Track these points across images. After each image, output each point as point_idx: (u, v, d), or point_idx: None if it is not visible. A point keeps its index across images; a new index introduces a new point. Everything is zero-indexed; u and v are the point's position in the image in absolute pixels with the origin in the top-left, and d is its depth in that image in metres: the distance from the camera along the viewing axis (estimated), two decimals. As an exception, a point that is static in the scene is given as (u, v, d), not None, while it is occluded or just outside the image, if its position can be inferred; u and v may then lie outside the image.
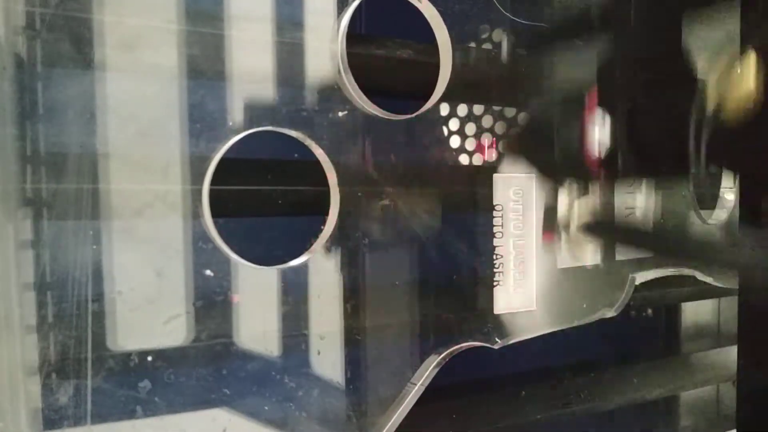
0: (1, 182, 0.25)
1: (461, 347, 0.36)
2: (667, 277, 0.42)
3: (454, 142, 0.43)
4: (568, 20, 0.32)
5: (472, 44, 0.37)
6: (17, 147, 0.25)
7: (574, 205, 0.34)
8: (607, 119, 0.29)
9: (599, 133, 0.32)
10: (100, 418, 0.27)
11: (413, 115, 0.35)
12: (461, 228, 0.37)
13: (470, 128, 0.43)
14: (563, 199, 0.37)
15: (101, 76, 0.27)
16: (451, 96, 0.36)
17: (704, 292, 0.49)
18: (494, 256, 0.37)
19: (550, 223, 0.33)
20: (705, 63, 0.32)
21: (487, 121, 0.42)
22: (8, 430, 0.25)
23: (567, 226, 0.36)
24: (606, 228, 0.32)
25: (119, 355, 0.27)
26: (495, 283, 0.37)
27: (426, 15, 0.35)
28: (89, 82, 0.27)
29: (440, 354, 0.36)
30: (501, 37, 0.39)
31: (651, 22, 0.27)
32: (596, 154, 0.35)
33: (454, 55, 0.35)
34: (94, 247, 0.27)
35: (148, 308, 0.28)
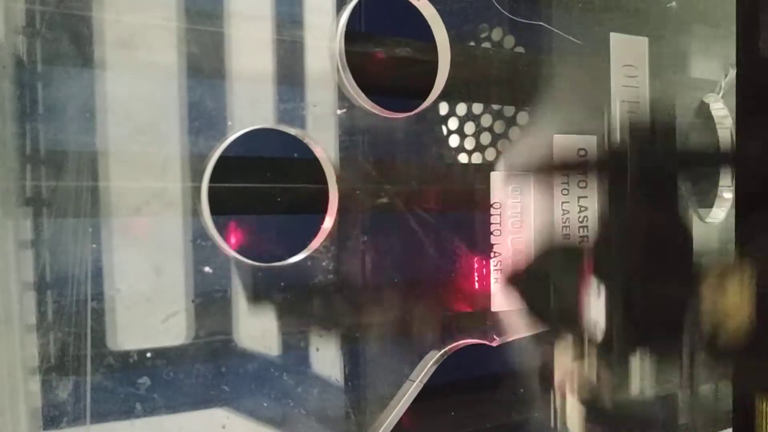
0: (1, 180, 0.25)
1: (459, 344, 0.36)
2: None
3: (453, 141, 0.43)
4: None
5: (471, 43, 0.37)
6: (17, 145, 0.25)
7: (571, 368, 0.35)
8: (604, 286, 0.29)
9: (596, 299, 0.32)
10: (99, 415, 0.27)
11: (412, 113, 0.35)
12: (459, 225, 0.37)
13: (469, 127, 0.43)
14: (560, 357, 0.37)
15: (100, 75, 0.27)
16: (450, 95, 0.36)
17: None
18: (492, 254, 0.37)
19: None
20: (701, 272, 0.32)
21: (486, 120, 0.42)
22: (7, 426, 0.26)
23: (562, 387, 0.36)
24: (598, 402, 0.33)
25: (118, 352, 0.28)
26: (494, 281, 0.38)
27: (425, 14, 0.36)
28: (88, 80, 0.27)
29: (439, 351, 0.36)
30: (500, 35, 0.39)
31: (648, 187, 0.27)
32: (593, 320, 0.35)
33: (452, 54, 0.36)
34: (93, 245, 0.27)
35: (146, 306, 0.28)
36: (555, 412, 0.35)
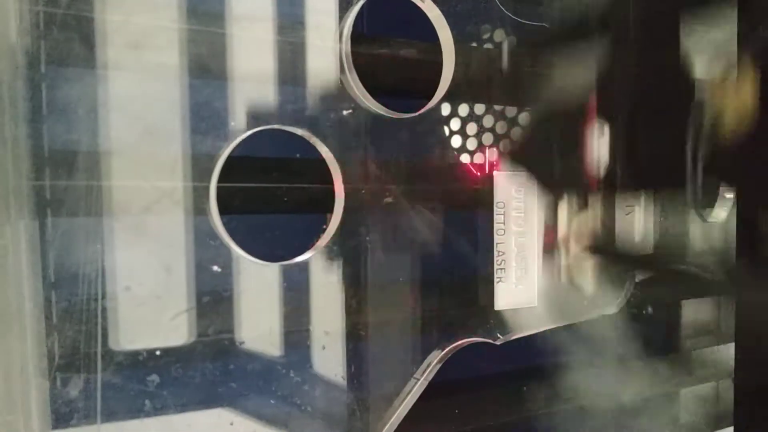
0: (13, 179, 0.25)
1: (463, 343, 0.37)
2: (668, 275, 0.43)
3: (456, 141, 0.43)
4: (566, 27, 0.32)
5: (474, 44, 0.37)
6: (29, 145, 0.26)
7: (574, 220, 0.34)
8: (606, 131, 0.29)
9: (598, 145, 0.32)
10: (109, 412, 0.27)
11: (416, 113, 0.35)
12: (463, 225, 0.37)
13: (471, 128, 0.43)
14: (563, 213, 0.37)
15: (111, 75, 0.27)
16: (453, 96, 0.36)
17: (704, 289, 0.49)
18: (496, 253, 0.38)
19: (551, 236, 0.33)
20: (702, 71, 0.32)
21: (488, 121, 0.42)
22: (19, 423, 0.26)
23: (567, 242, 0.36)
24: (606, 248, 0.32)
25: (128, 350, 0.28)
26: (497, 280, 0.38)
27: (429, 15, 0.36)
28: (99, 81, 0.27)
29: (443, 349, 0.36)
30: (502, 37, 0.39)
31: (649, 29, 0.27)
32: (595, 166, 0.35)
33: (456, 55, 0.36)
34: (104, 244, 0.27)
35: (155, 304, 0.28)
36: (560, 267, 0.34)
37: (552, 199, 0.35)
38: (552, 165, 0.32)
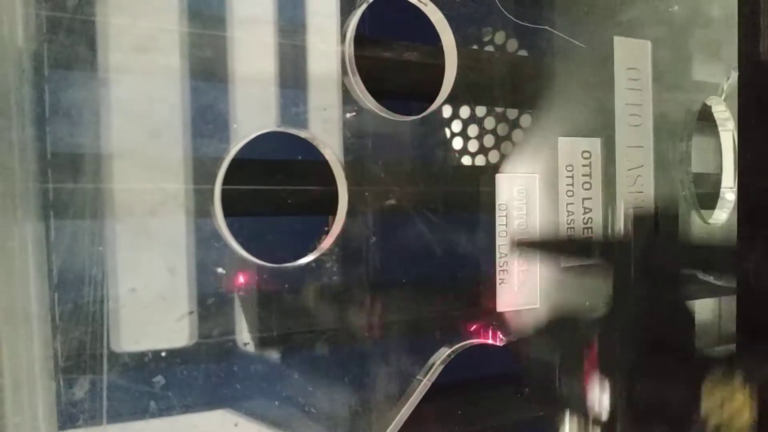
0: (20, 182, 0.26)
1: (466, 344, 0.37)
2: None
3: (457, 143, 0.44)
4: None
5: (475, 47, 0.38)
6: (35, 148, 0.26)
7: None
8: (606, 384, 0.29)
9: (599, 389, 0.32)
10: (114, 413, 0.28)
11: (420, 116, 0.35)
12: (466, 227, 0.37)
13: (473, 130, 0.43)
14: None
15: (116, 79, 0.27)
16: (455, 98, 0.37)
17: (705, 291, 0.49)
18: (498, 255, 0.38)
19: None
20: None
21: (489, 123, 0.42)
22: (26, 424, 0.26)
23: None
24: None
25: (133, 351, 0.28)
26: (499, 282, 0.38)
27: (431, 18, 0.36)
28: (104, 84, 0.27)
29: (446, 351, 0.36)
30: (503, 39, 0.40)
31: (650, 277, 0.28)
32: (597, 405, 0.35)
33: (459, 58, 0.36)
34: (109, 245, 0.27)
35: (160, 306, 0.29)
36: None
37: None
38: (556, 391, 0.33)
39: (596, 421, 0.31)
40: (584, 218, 0.41)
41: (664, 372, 0.26)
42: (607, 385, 0.26)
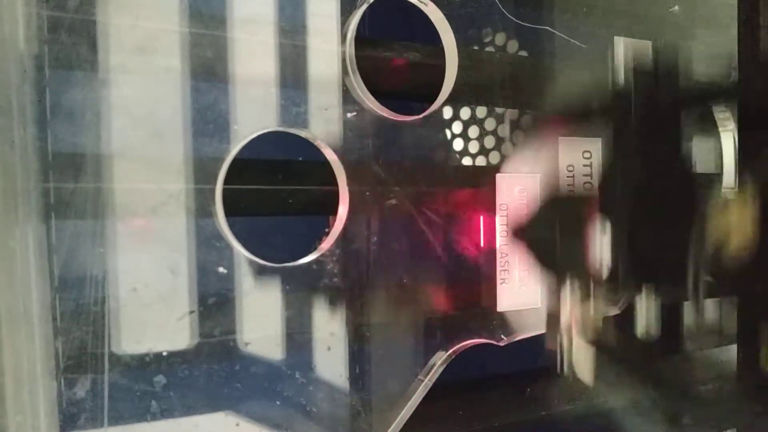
0: (21, 182, 0.26)
1: (467, 344, 0.37)
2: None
3: (458, 144, 0.44)
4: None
5: (476, 47, 0.38)
6: (37, 148, 0.26)
7: (575, 311, 0.34)
8: (608, 226, 0.29)
9: (600, 238, 0.32)
10: (115, 412, 0.28)
11: (421, 115, 0.35)
12: (466, 227, 0.37)
13: (473, 131, 0.43)
14: (566, 302, 0.38)
15: (117, 79, 0.27)
16: (456, 98, 0.37)
17: (706, 291, 0.49)
18: (499, 255, 0.38)
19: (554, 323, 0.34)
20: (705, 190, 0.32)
21: (490, 124, 0.42)
22: (27, 423, 0.26)
23: (569, 332, 0.36)
24: (606, 342, 0.33)
25: (134, 350, 0.28)
26: (500, 281, 0.38)
27: (432, 18, 0.36)
28: (106, 84, 0.27)
29: (447, 350, 0.36)
30: (503, 39, 0.40)
31: (650, 125, 0.28)
32: (598, 258, 0.35)
33: (459, 58, 0.36)
34: (111, 245, 0.27)
35: (162, 305, 0.29)
36: (562, 356, 0.35)
37: (555, 285, 0.35)
38: (555, 253, 0.33)
39: (597, 279, 0.31)
40: (585, 218, 0.41)
41: (665, 218, 0.26)
42: (607, 239, 0.26)
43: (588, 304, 0.31)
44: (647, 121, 0.27)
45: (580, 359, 0.34)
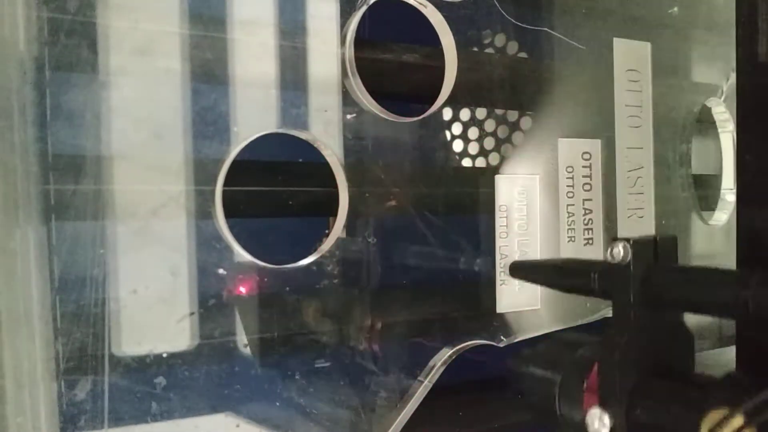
0: (22, 184, 0.26)
1: (467, 345, 0.37)
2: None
3: (457, 145, 0.44)
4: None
5: (475, 48, 0.38)
6: (37, 150, 0.26)
7: None
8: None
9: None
10: (116, 414, 0.28)
11: (420, 117, 0.35)
12: (466, 228, 0.38)
13: (473, 132, 0.44)
14: None
15: (117, 81, 0.28)
16: (455, 100, 0.37)
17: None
18: (499, 256, 0.38)
19: None
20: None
21: (489, 125, 0.43)
22: (28, 425, 0.26)
23: None
24: None
25: (135, 352, 0.28)
26: (499, 283, 0.38)
27: (431, 20, 0.36)
28: (105, 86, 0.27)
29: (447, 352, 0.36)
30: (503, 41, 0.40)
31: (653, 319, 0.28)
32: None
33: (458, 60, 0.36)
34: (111, 247, 0.27)
35: (162, 306, 0.29)
36: None
37: None
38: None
39: None
40: (584, 219, 0.41)
41: (663, 395, 0.26)
42: (606, 409, 0.26)
43: None
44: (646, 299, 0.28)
45: None
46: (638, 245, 0.27)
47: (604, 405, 0.27)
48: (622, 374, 0.27)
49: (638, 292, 0.27)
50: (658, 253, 0.28)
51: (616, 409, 0.27)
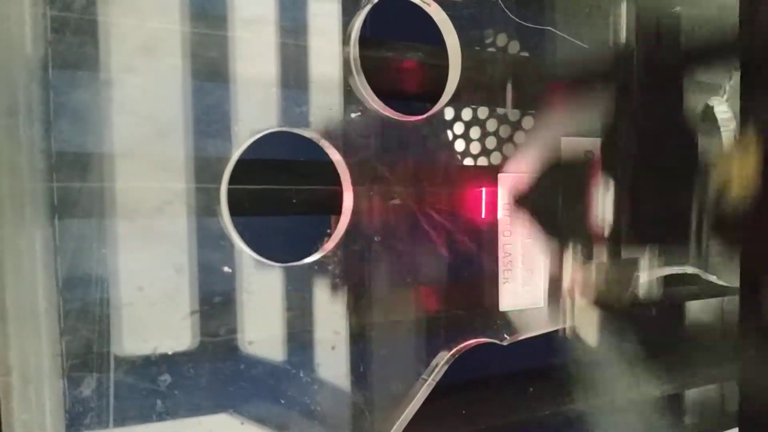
0: (28, 182, 0.26)
1: (471, 344, 0.37)
2: (671, 275, 0.43)
3: (460, 145, 0.44)
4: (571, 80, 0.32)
5: (477, 48, 0.38)
6: (43, 148, 0.26)
7: (579, 272, 0.34)
8: (611, 185, 0.29)
9: (603, 198, 0.32)
10: (120, 410, 0.28)
11: (425, 115, 0.35)
12: (469, 226, 0.38)
13: (475, 132, 0.44)
14: (568, 263, 0.38)
15: (123, 79, 0.28)
16: (458, 98, 0.37)
17: (708, 290, 0.49)
18: (502, 254, 0.38)
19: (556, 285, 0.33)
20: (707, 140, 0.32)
21: (491, 125, 0.42)
22: (33, 421, 0.26)
23: (572, 293, 0.36)
24: (609, 302, 0.32)
25: (140, 349, 0.28)
26: (503, 281, 0.38)
27: (435, 19, 0.36)
28: (111, 84, 0.27)
29: (450, 350, 0.36)
30: (505, 40, 0.40)
31: (652, 84, 0.28)
32: (600, 220, 0.35)
33: (462, 59, 0.36)
34: (115, 244, 0.28)
35: (167, 304, 0.29)
36: (565, 317, 0.35)
37: (557, 249, 0.35)
38: (557, 216, 0.33)
39: (599, 239, 0.31)
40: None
41: (666, 175, 0.26)
42: (609, 198, 0.26)
43: (590, 265, 0.31)
44: (649, 80, 0.27)
45: (583, 320, 0.34)
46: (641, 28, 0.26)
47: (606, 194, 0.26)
48: (623, 163, 0.26)
49: (641, 69, 0.27)
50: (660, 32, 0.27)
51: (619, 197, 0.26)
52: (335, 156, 0.33)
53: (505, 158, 0.39)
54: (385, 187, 0.34)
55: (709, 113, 0.49)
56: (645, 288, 0.37)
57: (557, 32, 0.40)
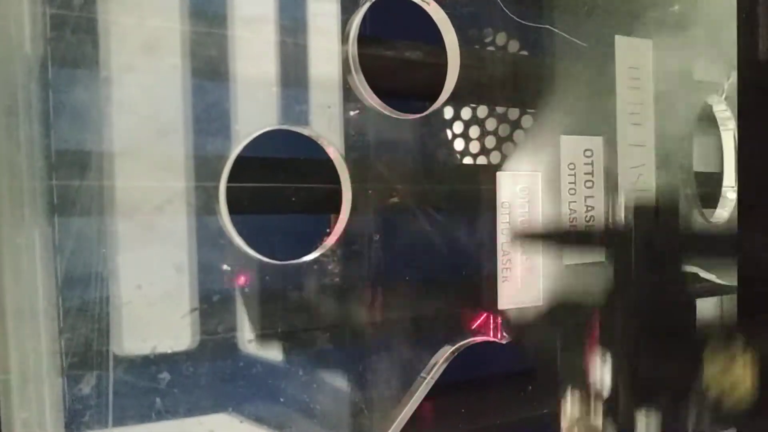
0: (28, 180, 0.26)
1: (470, 342, 0.37)
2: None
3: (459, 144, 0.44)
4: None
5: (477, 46, 0.38)
6: (43, 146, 0.26)
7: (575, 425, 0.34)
8: (608, 357, 0.29)
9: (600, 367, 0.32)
10: (120, 409, 0.28)
11: (423, 114, 0.35)
12: (468, 225, 0.38)
13: (474, 131, 0.44)
14: (566, 410, 0.38)
15: (122, 77, 0.28)
16: (457, 97, 0.37)
17: (707, 290, 0.49)
18: (501, 253, 0.38)
19: None
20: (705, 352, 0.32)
21: (491, 124, 0.43)
22: (33, 420, 0.26)
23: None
24: None
25: (139, 347, 0.28)
26: (501, 279, 0.38)
27: (434, 17, 0.36)
28: (110, 83, 0.27)
29: (449, 348, 0.36)
30: (504, 39, 0.40)
31: (650, 257, 0.28)
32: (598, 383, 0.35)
33: (461, 57, 0.36)
34: (115, 243, 0.28)
35: (167, 302, 0.29)
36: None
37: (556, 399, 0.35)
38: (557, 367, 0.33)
39: (598, 397, 0.31)
40: (586, 216, 0.41)
41: (664, 347, 0.27)
42: (608, 362, 0.26)
43: (589, 415, 0.32)
44: (648, 258, 0.28)
45: None
46: (640, 206, 0.27)
47: (605, 359, 0.27)
48: (623, 330, 0.27)
49: (639, 251, 0.27)
50: (660, 213, 0.28)
51: (618, 364, 0.27)
52: (334, 154, 0.33)
53: (504, 157, 0.39)
54: (383, 184, 0.34)
55: (707, 112, 0.49)
56: None
57: (555, 30, 0.40)
